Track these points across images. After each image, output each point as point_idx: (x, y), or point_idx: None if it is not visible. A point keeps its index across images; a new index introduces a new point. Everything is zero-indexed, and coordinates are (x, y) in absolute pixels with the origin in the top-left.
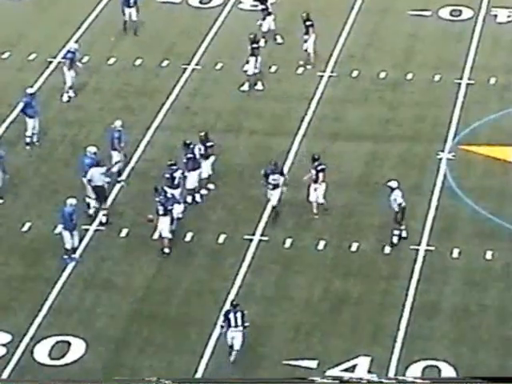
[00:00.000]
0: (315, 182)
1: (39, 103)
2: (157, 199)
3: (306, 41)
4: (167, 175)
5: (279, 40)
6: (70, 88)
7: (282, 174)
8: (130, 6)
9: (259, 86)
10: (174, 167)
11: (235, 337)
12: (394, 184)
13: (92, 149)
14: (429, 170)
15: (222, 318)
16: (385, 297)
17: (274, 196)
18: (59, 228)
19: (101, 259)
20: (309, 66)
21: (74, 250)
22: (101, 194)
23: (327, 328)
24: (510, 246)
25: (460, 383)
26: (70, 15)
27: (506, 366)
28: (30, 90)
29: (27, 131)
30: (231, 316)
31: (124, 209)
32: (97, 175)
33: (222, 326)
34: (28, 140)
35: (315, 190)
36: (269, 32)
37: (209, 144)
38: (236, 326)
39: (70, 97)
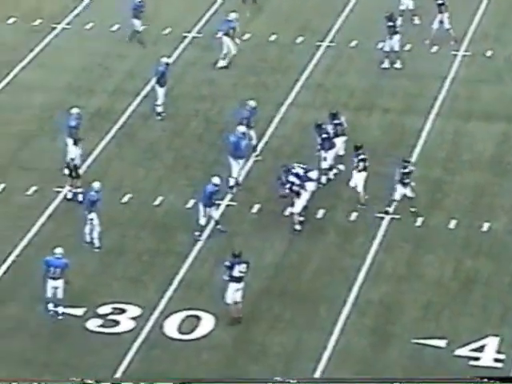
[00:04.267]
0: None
1: (172, 77)
2: (290, 178)
3: (440, 21)
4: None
5: (416, 21)
6: (225, 55)
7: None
8: None
9: (398, 65)
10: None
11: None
12: None
13: (241, 128)
14: None
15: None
16: None
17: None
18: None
19: (232, 235)
20: (452, 42)
21: (217, 222)
22: (75, 171)
23: (457, 307)
24: None
25: (463, 383)
26: None
27: None
28: (166, 60)
29: (158, 100)
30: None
31: (256, 185)
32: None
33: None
34: (159, 109)
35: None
36: (406, 11)
37: (336, 122)
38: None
39: (228, 62)
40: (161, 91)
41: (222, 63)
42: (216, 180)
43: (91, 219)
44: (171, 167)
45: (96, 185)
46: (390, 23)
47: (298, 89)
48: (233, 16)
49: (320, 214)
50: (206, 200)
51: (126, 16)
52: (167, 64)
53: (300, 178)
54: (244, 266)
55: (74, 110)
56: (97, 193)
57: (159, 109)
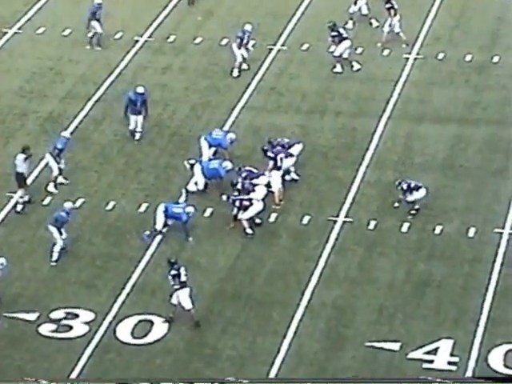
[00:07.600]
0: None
1: (124, 81)
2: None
3: (390, 24)
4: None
5: (375, 23)
6: (241, 64)
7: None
8: None
9: (356, 66)
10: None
11: None
12: None
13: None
14: None
15: None
16: (468, 280)
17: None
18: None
19: (184, 239)
20: (404, 45)
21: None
22: (21, 180)
23: (410, 310)
24: None
25: (461, 383)
26: None
27: None
28: (140, 90)
29: (130, 125)
30: None
31: (209, 188)
32: (19, 162)
33: None
34: (137, 136)
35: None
36: (356, 14)
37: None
38: None
39: (240, 72)
40: (133, 119)
41: (235, 73)
42: (191, 209)
43: (62, 238)
44: (123, 171)
45: (67, 205)
46: (334, 33)
47: (250, 92)
48: (247, 28)
49: (272, 217)
50: (173, 219)
51: (80, 20)
52: (139, 93)
53: (251, 182)
54: (184, 268)
55: (65, 134)
56: (67, 214)
57: (137, 135)
